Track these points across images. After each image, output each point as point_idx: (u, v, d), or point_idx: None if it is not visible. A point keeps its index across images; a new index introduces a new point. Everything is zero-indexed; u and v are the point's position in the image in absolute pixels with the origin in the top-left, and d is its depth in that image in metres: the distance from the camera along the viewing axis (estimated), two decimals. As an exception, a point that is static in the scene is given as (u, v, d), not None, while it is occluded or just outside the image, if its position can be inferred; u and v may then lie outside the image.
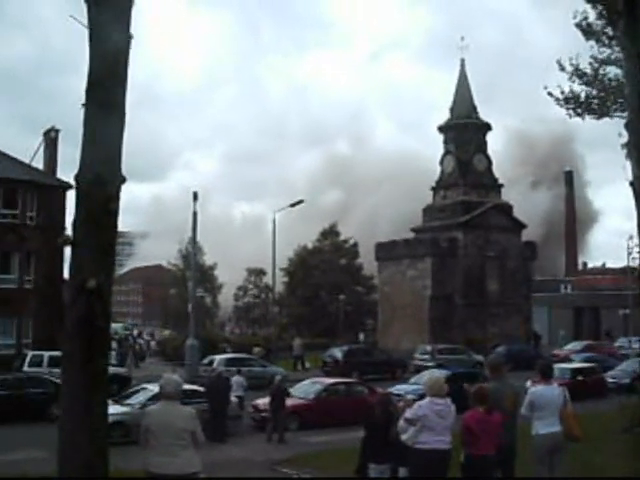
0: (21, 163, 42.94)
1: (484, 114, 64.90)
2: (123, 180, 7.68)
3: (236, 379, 26.10)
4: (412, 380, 29.83)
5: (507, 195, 65.57)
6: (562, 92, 20.50)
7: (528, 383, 17.81)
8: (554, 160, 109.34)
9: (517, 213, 63.74)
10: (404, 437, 9.83)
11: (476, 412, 9.51)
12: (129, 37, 7.60)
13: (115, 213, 7.60)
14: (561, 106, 20.68)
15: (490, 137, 64.81)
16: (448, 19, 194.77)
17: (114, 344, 46.42)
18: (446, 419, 9.66)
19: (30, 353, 34.51)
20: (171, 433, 7.72)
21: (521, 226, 63.09)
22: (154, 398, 23.09)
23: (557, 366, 34.66)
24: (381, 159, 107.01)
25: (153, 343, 62.95)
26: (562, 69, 20.39)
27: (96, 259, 7.40)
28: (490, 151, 64.35)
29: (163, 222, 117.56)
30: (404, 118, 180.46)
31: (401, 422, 9.94)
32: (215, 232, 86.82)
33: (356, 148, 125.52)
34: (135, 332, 73.02)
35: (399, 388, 27.43)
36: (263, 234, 52.01)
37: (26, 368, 32.94)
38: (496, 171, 64.10)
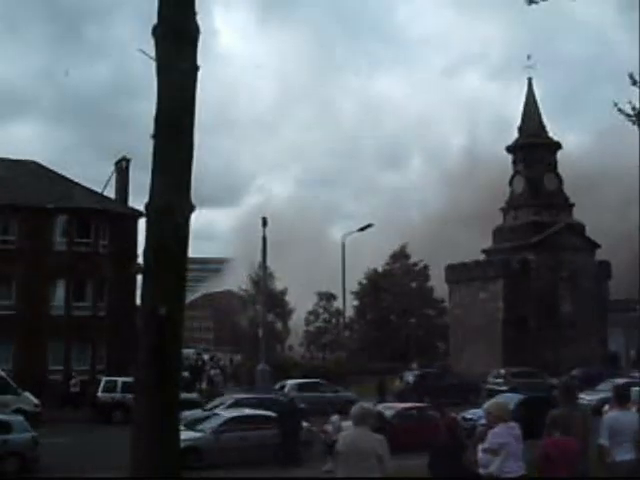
0: (94, 192, 43.96)
1: (560, 128, 63.96)
2: (193, 208, 7.71)
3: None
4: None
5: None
6: (633, 108, 19.96)
7: (606, 407, 17.30)
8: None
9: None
10: (491, 469, 9.30)
11: (553, 438, 9.31)
12: (196, 67, 7.68)
13: (185, 241, 7.63)
14: (633, 123, 20.12)
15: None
16: (526, 34, 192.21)
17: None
18: (521, 443, 9.45)
19: (104, 379, 35.15)
20: (359, 455, 8.00)
21: (595, 245, 61.85)
22: (225, 424, 23.29)
23: (636, 389, 33.79)
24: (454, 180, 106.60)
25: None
26: (634, 83, 19.83)
27: (167, 286, 7.43)
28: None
29: (236, 247, 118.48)
30: (478, 136, 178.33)
31: (480, 454, 9.52)
32: (287, 256, 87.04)
33: (429, 167, 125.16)
34: (206, 357, 73.31)
35: (472, 412, 27.00)
36: (334, 257, 51.96)
37: (100, 394, 33.60)
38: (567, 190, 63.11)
